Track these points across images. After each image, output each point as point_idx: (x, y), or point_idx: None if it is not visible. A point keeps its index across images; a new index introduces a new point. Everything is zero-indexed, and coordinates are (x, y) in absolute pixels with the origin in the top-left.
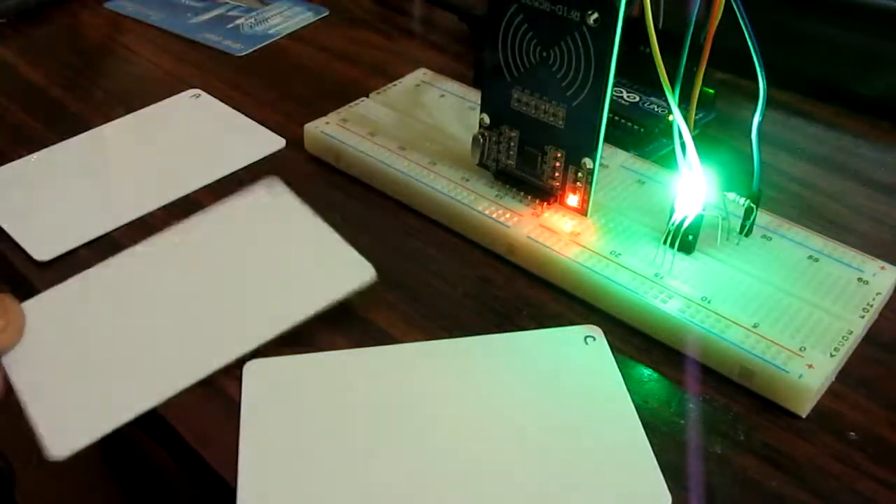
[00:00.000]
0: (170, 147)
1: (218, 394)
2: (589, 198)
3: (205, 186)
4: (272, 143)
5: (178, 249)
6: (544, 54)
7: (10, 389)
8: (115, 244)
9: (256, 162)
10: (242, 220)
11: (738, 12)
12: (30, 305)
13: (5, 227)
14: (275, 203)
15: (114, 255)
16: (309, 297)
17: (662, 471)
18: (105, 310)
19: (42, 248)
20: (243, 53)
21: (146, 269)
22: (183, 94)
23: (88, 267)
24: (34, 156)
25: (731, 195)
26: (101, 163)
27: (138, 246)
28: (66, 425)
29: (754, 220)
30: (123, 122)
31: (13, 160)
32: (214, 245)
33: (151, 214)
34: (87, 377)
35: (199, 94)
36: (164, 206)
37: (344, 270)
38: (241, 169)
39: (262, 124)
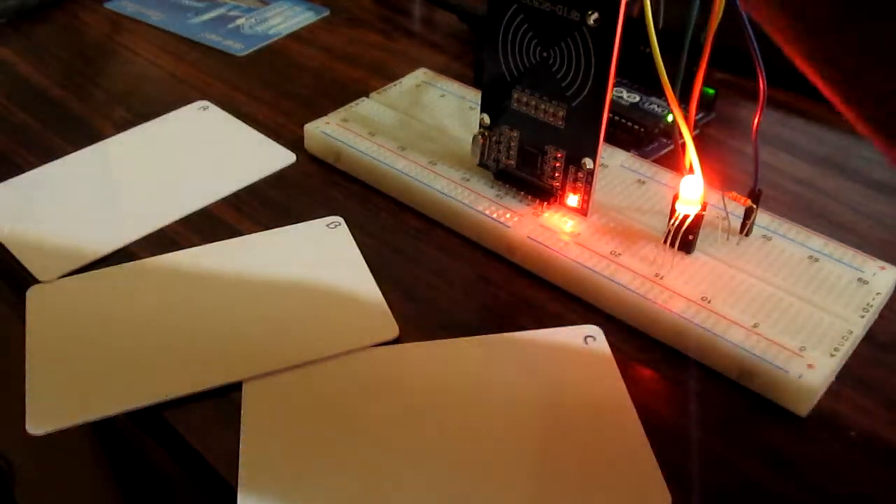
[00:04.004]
0: (182, 160)
1: (218, 393)
2: (589, 198)
3: (221, 199)
4: (283, 157)
5: (219, 261)
6: (544, 54)
7: None
8: (134, 257)
9: (269, 175)
10: (293, 246)
11: (738, 12)
12: (66, 282)
13: (7, 246)
14: (329, 238)
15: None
16: (327, 341)
17: (662, 471)
18: (130, 302)
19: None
20: (243, 53)
21: (180, 273)
22: (192, 105)
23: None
24: (41, 168)
25: (731, 195)
26: (113, 175)
27: (179, 252)
28: (53, 405)
29: (754, 220)
30: (133, 133)
31: (14, 162)
32: (257, 265)
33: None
34: (90, 365)
35: (208, 106)
36: (180, 220)
37: (370, 324)
38: (257, 182)
39: (263, 125)
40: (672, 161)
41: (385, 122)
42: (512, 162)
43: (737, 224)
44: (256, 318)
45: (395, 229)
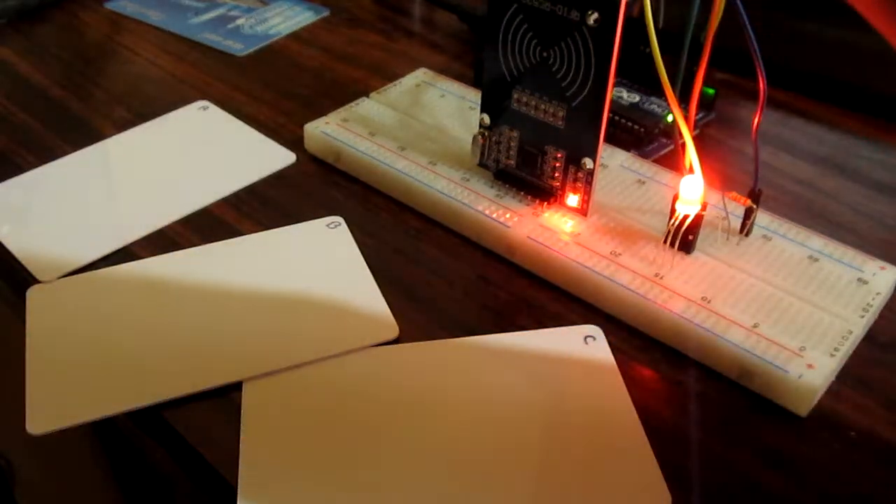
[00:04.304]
0: (182, 160)
1: (218, 393)
2: (589, 198)
3: (221, 199)
4: (283, 157)
5: (219, 261)
6: (544, 54)
7: None
8: (134, 257)
9: (269, 175)
10: (293, 246)
11: (738, 12)
12: (66, 282)
13: (7, 246)
14: (329, 238)
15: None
16: (327, 341)
17: (662, 471)
18: (130, 302)
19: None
20: (243, 53)
21: (180, 273)
22: (191, 105)
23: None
24: (41, 168)
25: (731, 195)
26: (113, 175)
27: (179, 252)
28: (53, 405)
29: (754, 220)
30: (133, 133)
31: (14, 162)
32: (257, 264)
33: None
34: (90, 365)
35: (208, 106)
36: (180, 220)
37: (370, 324)
38: (256, 181)
39: (263, 124)
40: (672, 161)
41: (385, 122)
42: (512, 162)
43: (737, 224)
44: (256, 318)
45: (395, 229)
